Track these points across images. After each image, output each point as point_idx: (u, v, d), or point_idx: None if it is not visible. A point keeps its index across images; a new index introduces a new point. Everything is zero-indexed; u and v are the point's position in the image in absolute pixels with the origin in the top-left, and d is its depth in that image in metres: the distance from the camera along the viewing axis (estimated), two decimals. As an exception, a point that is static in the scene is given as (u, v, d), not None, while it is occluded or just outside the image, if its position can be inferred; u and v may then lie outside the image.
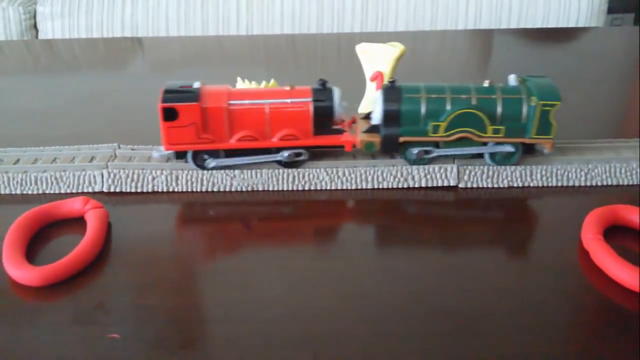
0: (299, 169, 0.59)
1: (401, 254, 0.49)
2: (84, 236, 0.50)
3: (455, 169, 0.58)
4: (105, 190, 0.58)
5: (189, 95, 0.56)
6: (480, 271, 0.47)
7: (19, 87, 0.86)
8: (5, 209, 0.57)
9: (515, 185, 0.59)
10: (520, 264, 0.48)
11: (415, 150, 0.58)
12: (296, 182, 0.58)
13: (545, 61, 0.93)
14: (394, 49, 0.65)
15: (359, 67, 0.68)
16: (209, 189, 0.58)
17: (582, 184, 0.59)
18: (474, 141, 0.58)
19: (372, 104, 0.59)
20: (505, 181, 0.58)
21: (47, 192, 0.58)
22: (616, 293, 0.45)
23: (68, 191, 0.58)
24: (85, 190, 0.58)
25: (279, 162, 0.59)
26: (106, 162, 0.60)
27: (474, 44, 1.08)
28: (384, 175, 0.58)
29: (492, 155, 0.59)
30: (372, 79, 0.66)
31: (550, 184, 0.59)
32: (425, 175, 0.58)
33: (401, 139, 0.58)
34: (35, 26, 1.46)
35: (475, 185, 0.58)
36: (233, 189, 0.58)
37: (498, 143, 0.58)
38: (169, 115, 0.56)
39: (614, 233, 0.50)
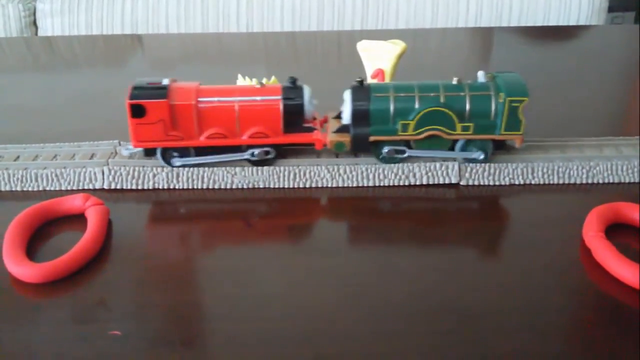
0: (299, 167, 0.59)
1: (402, 252, 0.49)
2: (85, 233, 0.50)
3: (456, 167, 0.58)
4: (105, 187, 0.58)
5: (157, 92, 0.55)
6: (482, 268, 0.47)
7: (18, 84, 0.86)
8: (5, 205, 0.57)
9: (516, 182, 0.58)
10: (522, 262, 0.48)
11: (385, 149, 0.58)
12: (297, 179, 0.58)
13: (546, 59, 0.93)
14: (395, 47, 0.65)
15: (359, 64, 0.68)
16: (210, 187, 0.58)
17: (584, 181, 0.58)
18: (445, 139, 0.58)
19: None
20: (507, 179, 0.58)
21: (47, 188, 0.58)
22: (618, 291, 0.45)
23: (68, 188, 0.58)
24: (85, 187, 0.58)
25: (249, 161, 0.59)
26: (107, 159, 0.60)
27: (475, 41, 1.08)
28: (386, 172, 0.58)
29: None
30: (373, 77, 0.66)
31: (551, 182, 0.58)
32: (427, 173, 0.58)
33: (371, 138, 0.58)
34: (34, 23, 1.46)
35: (476, 183, 0.58)
36: (234, 187, 0.58)
37: (467, 146, 0.58)
38: (137, 112, 0.55)
39: (616, 230, 0.50)
